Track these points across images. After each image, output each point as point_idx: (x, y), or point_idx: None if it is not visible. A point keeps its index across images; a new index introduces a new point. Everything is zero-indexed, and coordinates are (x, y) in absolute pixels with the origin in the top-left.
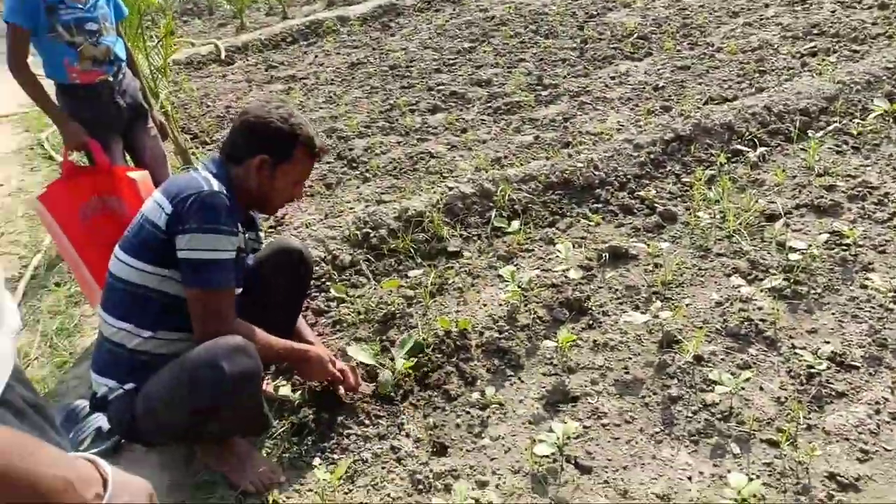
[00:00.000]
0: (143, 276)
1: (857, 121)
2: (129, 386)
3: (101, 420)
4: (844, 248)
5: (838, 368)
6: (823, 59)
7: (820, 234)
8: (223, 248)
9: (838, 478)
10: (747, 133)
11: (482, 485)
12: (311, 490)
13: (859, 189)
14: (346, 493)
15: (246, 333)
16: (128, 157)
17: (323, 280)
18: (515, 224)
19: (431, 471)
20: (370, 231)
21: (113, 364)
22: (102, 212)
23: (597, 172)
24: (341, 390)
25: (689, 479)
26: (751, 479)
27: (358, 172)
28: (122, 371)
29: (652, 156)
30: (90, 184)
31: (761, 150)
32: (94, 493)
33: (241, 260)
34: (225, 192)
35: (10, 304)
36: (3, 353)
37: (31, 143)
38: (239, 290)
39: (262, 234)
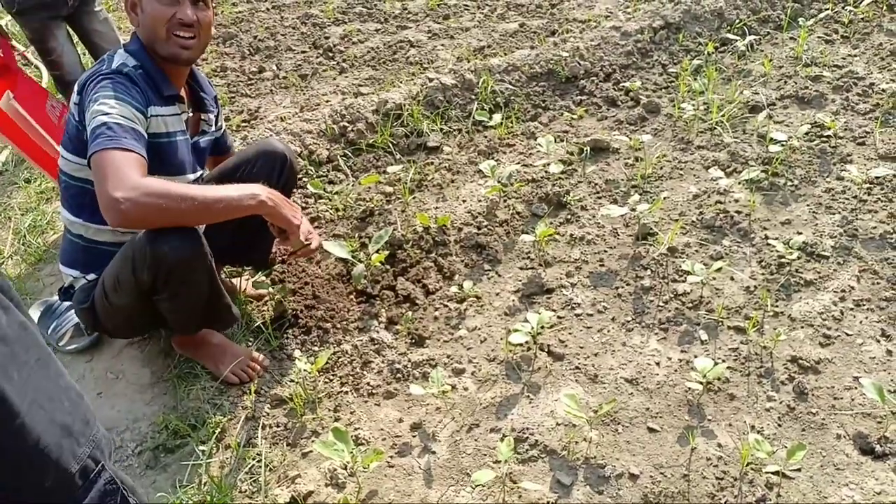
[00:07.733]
0: (80, 169)
1: (849, 8)
2: (91, 276)
3: None
4: (825, 139)
5: (808, 258)
6: None
7: (802, 125)
8: (118, 112)
9: (800, 361)
10: (737, 20)
11: (458, 372)
12: (292, 381)
13: (845, 80)
14: (326, 383)
15: (153, 184)
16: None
17: (300, 176)
18: (497, 117)
19: (409, 360)
20: (347, 125)
21: (74, 254)
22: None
23: (582, 62)
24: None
25: (658, 364)
26: (716, 364)
27: (334, 63)
28: (83, 261)
29: (639, 44)
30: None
31: (750, 38)
32: None
33: (177, 143)
34: (130, 67)
35: None
36: None
37: None
38: (195, 175)
39: (213, 116)
